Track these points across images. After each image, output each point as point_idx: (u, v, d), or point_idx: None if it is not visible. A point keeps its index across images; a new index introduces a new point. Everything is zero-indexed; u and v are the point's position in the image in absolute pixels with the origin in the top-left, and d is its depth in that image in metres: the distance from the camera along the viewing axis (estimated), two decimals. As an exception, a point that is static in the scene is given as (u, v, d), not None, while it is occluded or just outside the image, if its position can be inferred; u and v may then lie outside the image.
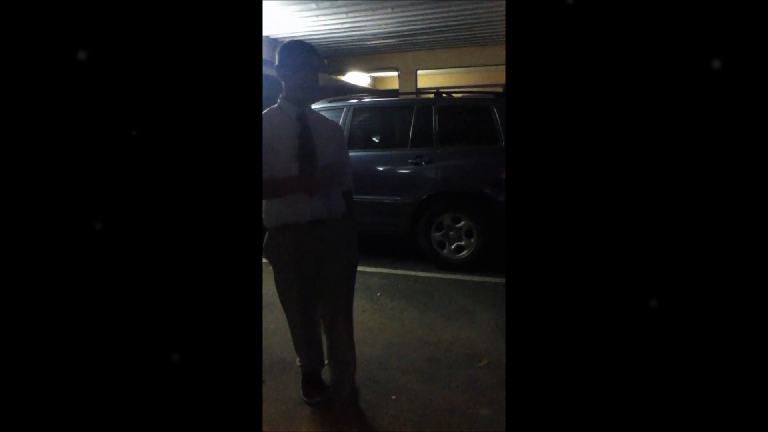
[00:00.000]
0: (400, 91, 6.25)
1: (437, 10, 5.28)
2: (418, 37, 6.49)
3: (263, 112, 1.40)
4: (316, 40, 6.29)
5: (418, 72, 7.92)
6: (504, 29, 5.78)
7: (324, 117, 1.56)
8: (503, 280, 3.08)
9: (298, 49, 1.41)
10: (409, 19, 5.53)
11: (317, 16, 5.32)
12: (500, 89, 4.03)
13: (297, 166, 1.39)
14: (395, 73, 8.12)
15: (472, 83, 8.93)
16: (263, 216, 1.47)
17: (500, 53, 7.07)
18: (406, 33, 6.24)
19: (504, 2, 4.81)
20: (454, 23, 5.84)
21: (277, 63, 1.42)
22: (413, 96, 4.16)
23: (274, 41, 6.07)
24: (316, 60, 1.42)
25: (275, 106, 1.47)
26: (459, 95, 3.77)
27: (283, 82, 1.46)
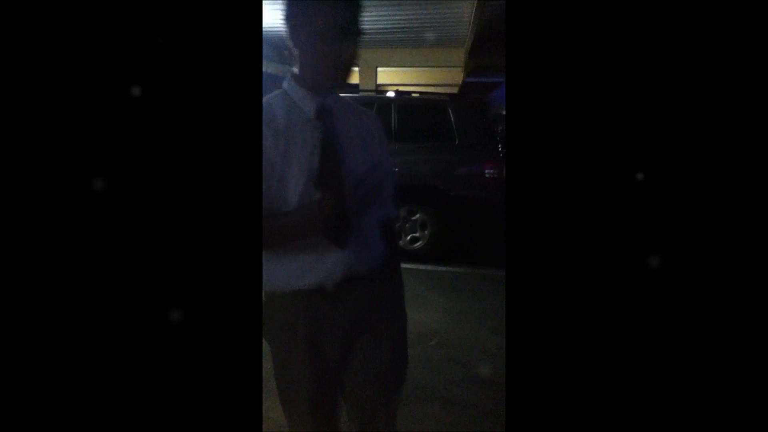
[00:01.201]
0: (360, 88, 6.36)
1: (399, 11, 5.42)
2: (379, 36, 6.60)
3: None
4: (277, 34, 6.26)
5: (378, 69, 8.02)
6: (465, 32, 6.04)
7: (356, 107, 1.01)
8: (454, 269, 3.29)
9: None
10: (372, 17, 5.62)
11: (277, 9, 5.32)
12: (456, 89, 4.26)
13: (314, 190, 0.85)
14: (355, 69, 8.14)
15: (430, 82, 9.12)
16: (263, 274, 0.91)
17: (458, 55, 7.29)
18: (368, 31, 6.33)
19: (466, 6, 5.01)
20: (416, 24, 6.00)
21: (287, 23, 0.88)
22: (374, 93, 4.31)
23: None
24: (354, 19, 0.88)
25: (278, 92, 0.93)
26: (417, 95, 3.95)
27: (296, 53, 0.89)
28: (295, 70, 0.93)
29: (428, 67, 8.17)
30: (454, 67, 7.61)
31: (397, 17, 5.70)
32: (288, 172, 0.87)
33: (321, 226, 0.85)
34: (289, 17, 0.88)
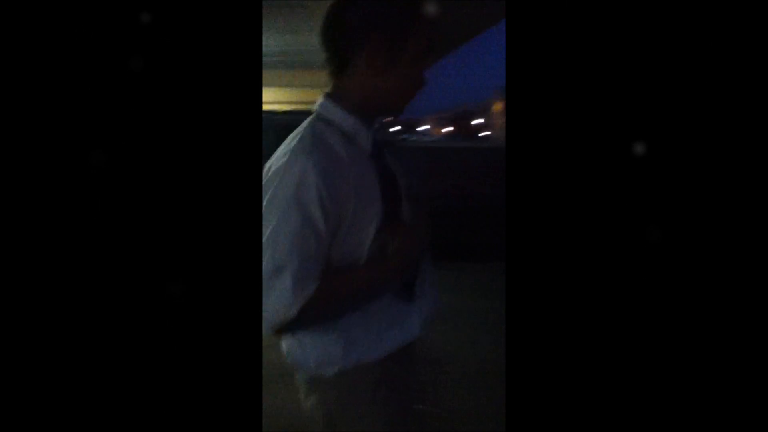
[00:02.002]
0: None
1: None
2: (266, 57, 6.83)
3: (301, 135, 0.75)
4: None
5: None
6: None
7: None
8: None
9: None
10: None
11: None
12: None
13: (383, 238, 0.75)
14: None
15: (294, 100, 9.67)
16: (296, 352, 0.79)
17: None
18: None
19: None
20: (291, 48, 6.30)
21: (353, 36, 0.72)
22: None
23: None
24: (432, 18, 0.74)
25: (317, 119, 0.77)
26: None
27: (354, 74, 0.75)
28: (337, 93, 0.76)
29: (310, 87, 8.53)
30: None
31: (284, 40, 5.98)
32: (359, 217, 0.73)
33: (395, 278, 0.76)
34: (365, 31, 0.71)
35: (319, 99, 0.79)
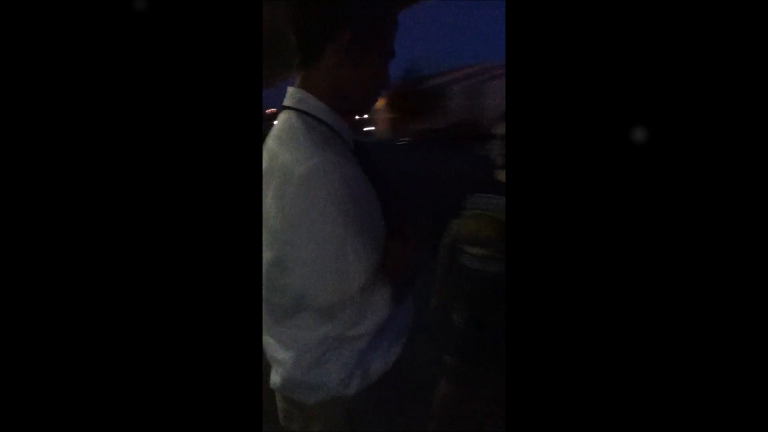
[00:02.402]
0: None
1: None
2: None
3: (300, 130, 0.71)
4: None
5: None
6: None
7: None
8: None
9: None
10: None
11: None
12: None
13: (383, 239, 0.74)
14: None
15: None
16: (308, 375, 0.75)
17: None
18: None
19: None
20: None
21: (326, 33, 0.70)
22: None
23: None
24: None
25: (299, 115, 0.72)
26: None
27: (329, 68, 0.72)
28: (309, 86, 0.73)
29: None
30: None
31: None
32: (368, 224, 0.71)
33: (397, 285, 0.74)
34: (336, 29, 0.69)
35: (293, 91, 0.74)
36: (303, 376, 0.74)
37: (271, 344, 0.79)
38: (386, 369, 0.77)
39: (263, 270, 0.72)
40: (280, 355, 0.76)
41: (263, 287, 0.74)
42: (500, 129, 1.39)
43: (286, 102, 0.75)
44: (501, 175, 1.38)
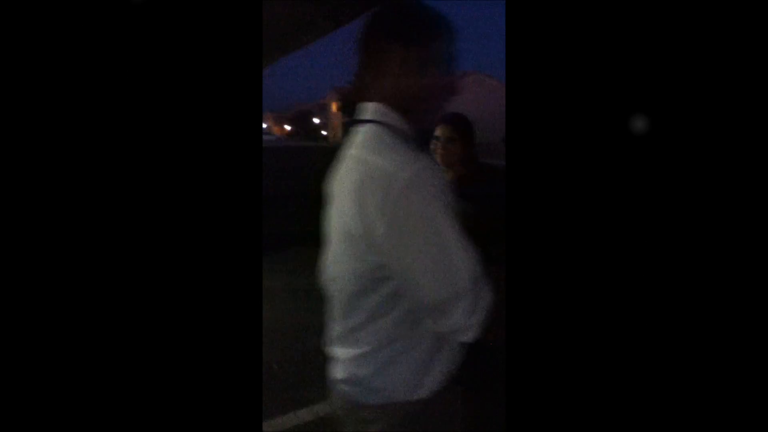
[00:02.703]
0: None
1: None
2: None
3: (385, 144, 0.74)
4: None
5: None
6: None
7: None
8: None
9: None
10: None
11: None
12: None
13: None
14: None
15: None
16: (377, 376, 0.78)
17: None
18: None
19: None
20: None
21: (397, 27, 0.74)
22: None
23: None
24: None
25: (380, 128, 0.76)
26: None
27: (409, 83, 0.76)
28: (384, 102, 0.77)
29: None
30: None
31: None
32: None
33: None
34: (395, 43, 0.74)
35: (372, 106, 0.78)
36: (371, 377, 0.78)
37: (344, 346, 0.82)
38: (450, 374, 0.80)
39: (354, 276, 0.75)
40: (351, 353, 0.80)
41: (343, 293, 0.78)
42: (439, 131, 1.59)
43: (366, 116, 0.78)
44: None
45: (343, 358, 0.82)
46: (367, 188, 0.69)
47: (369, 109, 0.79)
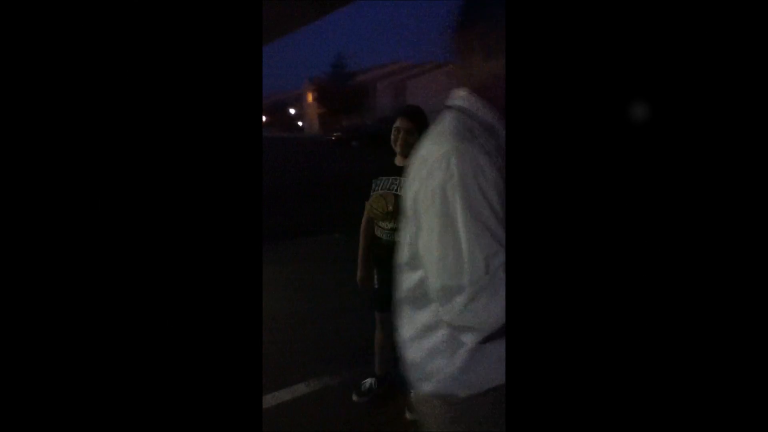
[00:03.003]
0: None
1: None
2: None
3: (453, 125, 0.74)
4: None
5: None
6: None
7: None
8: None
9: None
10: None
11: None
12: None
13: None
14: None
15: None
16: (451, 368, 0.78)
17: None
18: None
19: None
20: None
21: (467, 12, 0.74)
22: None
23: None
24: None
25: (457, 115, 0.76)
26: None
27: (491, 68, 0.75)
28: (469, 84, 0.77)
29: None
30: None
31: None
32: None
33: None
34: (477, 29, 0.74)
35: (456, 92, 0.79)
36: (436, 374, 0.79)
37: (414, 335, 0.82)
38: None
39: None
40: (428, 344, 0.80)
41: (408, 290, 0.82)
42: (398, 122, 1.72)
43: (448, 102, 0.80)
44: (399, 160, 1.76)
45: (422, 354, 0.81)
46: (413, 170, 0.74)
47: (454, 95, 0.80)
